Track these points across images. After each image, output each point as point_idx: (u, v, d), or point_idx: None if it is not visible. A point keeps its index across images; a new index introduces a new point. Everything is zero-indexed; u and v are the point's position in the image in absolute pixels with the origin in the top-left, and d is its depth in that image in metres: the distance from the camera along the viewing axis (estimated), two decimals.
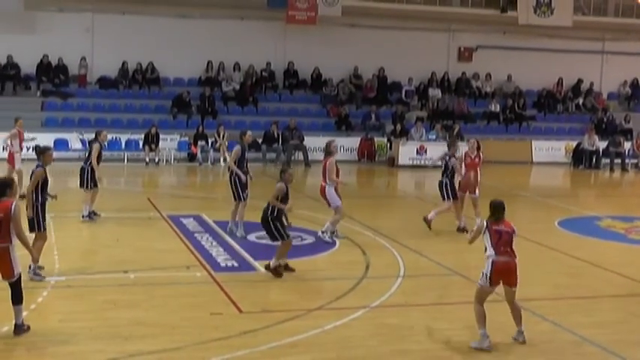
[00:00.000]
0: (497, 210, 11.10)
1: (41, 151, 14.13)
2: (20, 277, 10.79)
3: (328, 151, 17.57)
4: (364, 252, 16.28)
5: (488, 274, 10.80)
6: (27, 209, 13.30)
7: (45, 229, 13.66)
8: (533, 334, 11.44)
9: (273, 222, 14.13)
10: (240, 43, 36.98)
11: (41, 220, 13.52)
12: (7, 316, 11.09)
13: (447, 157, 18.72)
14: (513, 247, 10.96)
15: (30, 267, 13.10)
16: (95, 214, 18.99)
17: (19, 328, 10.66)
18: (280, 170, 14.72)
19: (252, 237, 17.24)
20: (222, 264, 14.96)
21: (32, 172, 13.74)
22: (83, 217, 18.64)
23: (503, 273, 10.86)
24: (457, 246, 17.55)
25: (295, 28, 37.17)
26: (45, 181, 13.72)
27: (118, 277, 13.76)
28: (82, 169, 19.04)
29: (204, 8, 36.50)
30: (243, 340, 10.72)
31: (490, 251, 10.82)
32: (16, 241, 10.63)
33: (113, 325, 11.28)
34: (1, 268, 10.63)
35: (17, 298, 10.70)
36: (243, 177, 17.36)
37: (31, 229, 13.30)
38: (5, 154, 22.88)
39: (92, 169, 18.94)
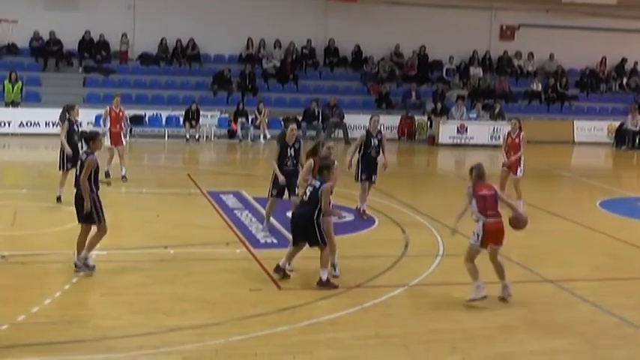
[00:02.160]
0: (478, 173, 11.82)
1: (91, 138, 12.87)
2: None
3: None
4: (403, 230, 16.26)
5: (481, 236, 11.66)
6: (85, 202, 12.32)
7: (105, 220, 12.59)
8: (573, 314, 11.41)
9: (319, 224, 12.28)
10: (280, 20, 36.93)
11: (100, 211, 12.52)
12: (48, 289, 11.23)
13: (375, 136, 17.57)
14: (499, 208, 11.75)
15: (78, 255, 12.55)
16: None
17: None
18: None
19: (290, 214, 17.21)
20: (262, 241, 15.01)
21: (82, 161, 12.58)
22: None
23: (495, 234, 11.63)
24: None
25: (336, 5, 37.06)
26: (97, 170, 12.59)
27: (158, 252, 13.84)
28: (61, 150, 18.03)
29: None
30: (282, 316, 10.76)
31: (478, 215, 11.67)
32: None
33: (153, 300, 11.37)
34: None
35: None
36: (281, 177, 15.30)
37: (90, 222, 12.50)
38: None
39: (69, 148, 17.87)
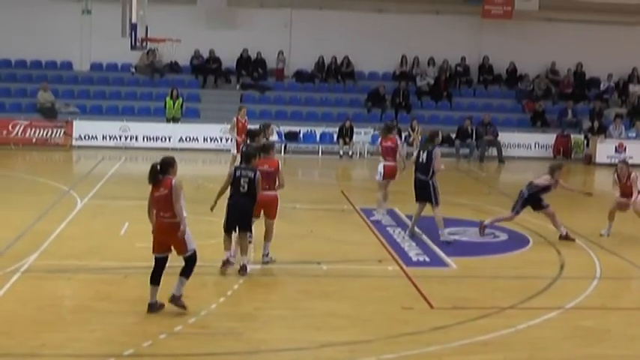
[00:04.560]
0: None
1: (256, 134, 16.41)
2: (195, 253, 11.23)
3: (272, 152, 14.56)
4: (559, 251, 15.89)
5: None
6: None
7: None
8: None
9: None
10: (435, 37, 36.83)
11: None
12: (205, 301, 11.50)
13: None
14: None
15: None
16: None
17: (175, 300, 11.14)
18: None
19: (444, 232, 17.14)
20: (414, 258, 14.94)
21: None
22: None
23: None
24: None
25: (491, 22, 36.72)
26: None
27: (311, 267, 13.98)
28: None
29: (400, 3, 36.57)
30: (433, 335, 10.68)
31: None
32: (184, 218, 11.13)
33: (305, 315, 11.49)
34: (176, 245, 11.17)
35: (185, 271, 11.23)
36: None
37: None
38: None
39: None
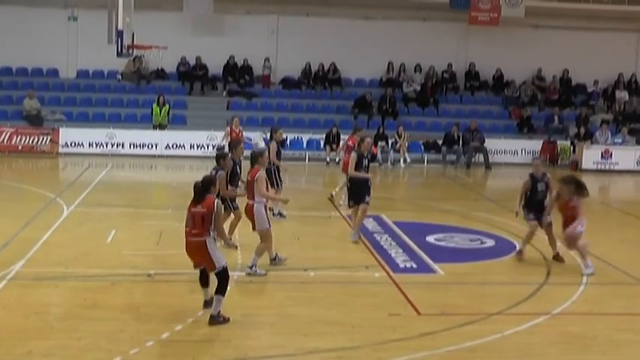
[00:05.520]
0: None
1: (234, 145, 16.66)
2: (224, 269, 11.19)
3: (259, 160, 14.37)
4: (545, 257, 15.92)
5: None
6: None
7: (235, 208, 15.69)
8: None
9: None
10: (421, 44, 36.95)
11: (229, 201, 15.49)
12: (191, 308, 11.48)
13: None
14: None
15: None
16: (281, 215, 19.08)
17: (215, 319, 11.07)
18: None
19: (431, 239, 17.17)
20: (401, 265, 14.96)
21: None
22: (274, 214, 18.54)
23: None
24: None
25: (477, 29, 36.84)
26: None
27: (299, 274, 13.98)
28: (268, 170, 18.75)
29: (387, 10, 36.67)
30: (421, 342, 10.68)
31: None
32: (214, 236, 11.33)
33: (293, 321, 11.48)
34: (204, 263, 11.31)
35: (219, 288, 11.15)
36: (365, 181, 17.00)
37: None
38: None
39: (277, 168, 19.05)
